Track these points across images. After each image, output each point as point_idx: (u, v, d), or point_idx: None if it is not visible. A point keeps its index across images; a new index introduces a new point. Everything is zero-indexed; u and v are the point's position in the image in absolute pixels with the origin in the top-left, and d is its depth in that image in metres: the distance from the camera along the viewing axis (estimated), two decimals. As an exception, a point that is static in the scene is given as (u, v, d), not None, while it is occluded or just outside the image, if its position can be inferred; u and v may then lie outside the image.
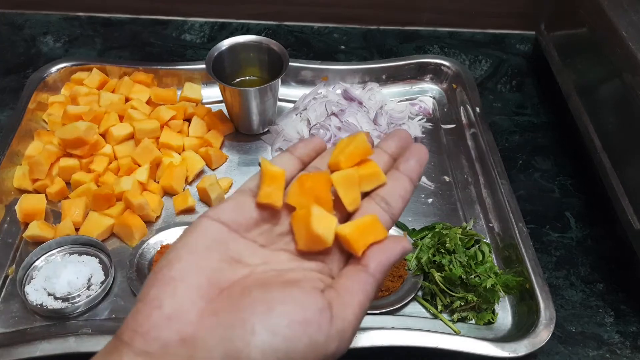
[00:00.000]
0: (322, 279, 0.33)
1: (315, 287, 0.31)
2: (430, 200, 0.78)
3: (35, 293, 0.64)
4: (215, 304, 0.29)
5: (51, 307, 0.63)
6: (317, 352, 0.29)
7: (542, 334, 0.59)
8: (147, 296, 0.29)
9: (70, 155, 0.76)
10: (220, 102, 0.86)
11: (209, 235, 0.32)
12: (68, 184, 0.75)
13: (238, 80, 0.85)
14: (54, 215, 0.73)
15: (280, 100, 0.87)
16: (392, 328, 0.60)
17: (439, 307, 0.65)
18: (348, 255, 0.34)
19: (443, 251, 0.66)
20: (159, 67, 0.89)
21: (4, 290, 0.66)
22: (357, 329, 0.31)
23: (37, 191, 0.74)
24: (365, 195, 0.36)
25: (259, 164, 0.80)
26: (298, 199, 0.34)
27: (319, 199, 0.34)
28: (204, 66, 0.80)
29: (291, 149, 0.38)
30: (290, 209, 0.35)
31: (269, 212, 0.34)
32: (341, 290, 0.31)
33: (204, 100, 0.88)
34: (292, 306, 0.29)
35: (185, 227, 0.69)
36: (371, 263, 0.32)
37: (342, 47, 1.02)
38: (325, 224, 0.32)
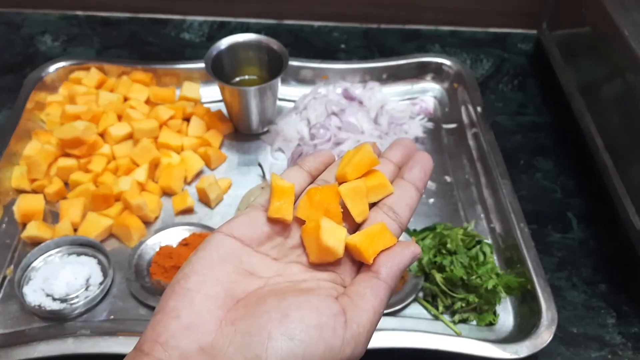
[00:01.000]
0: (335, 287, 0.33)
1: (329, 294, 0.32)
2: (431, 200, 0.77)
3: (34, 294, 0.64)
4: (232, 313, 0.30)
5: (49, 308, 0.63)
6: (334, 356, 0.30)
7: (544, 335, 0.59)
8: (165, 308, 0.30)
9: (69, 155, 0.76)
10: (220, 101, 0.85)
11: (222, 249, 0.33)
12: (66, 184, 0.75)
13: (237, 79, 0.85)
14: (52, 216, 0.73)
15: (280, 99, 0.86)
16: (393, 329, 0.60)
17: (440, 308, 0.64)
18: (359, 264, 0.35)
19: (444, 252, 0.65)
20: (157, 66, 0.88)
21: (2, 291, 0.66)
22: (372, 333, 0.32)
23: (35, 191, 0.74)
24: (372, 205, 0.37)
25: (259, 164, 0.80)
26: (307, 212, 0.35)
27: (328, 212, 0.35)
28: (203, 65, 0.79)
29: (300, 163, 0.38)
30: (301, 222, 0.35)
31: (280, 226, 0.35)
32: (354, 297, 0.32)
33: (203, 100, 0.88)
34: (307, 312, 0.30)
35: (184, 227, 0.71)
36: (382, 269, 0.33)
37: (343, 46, 1.02)
38: (335, 236, 0.33)
